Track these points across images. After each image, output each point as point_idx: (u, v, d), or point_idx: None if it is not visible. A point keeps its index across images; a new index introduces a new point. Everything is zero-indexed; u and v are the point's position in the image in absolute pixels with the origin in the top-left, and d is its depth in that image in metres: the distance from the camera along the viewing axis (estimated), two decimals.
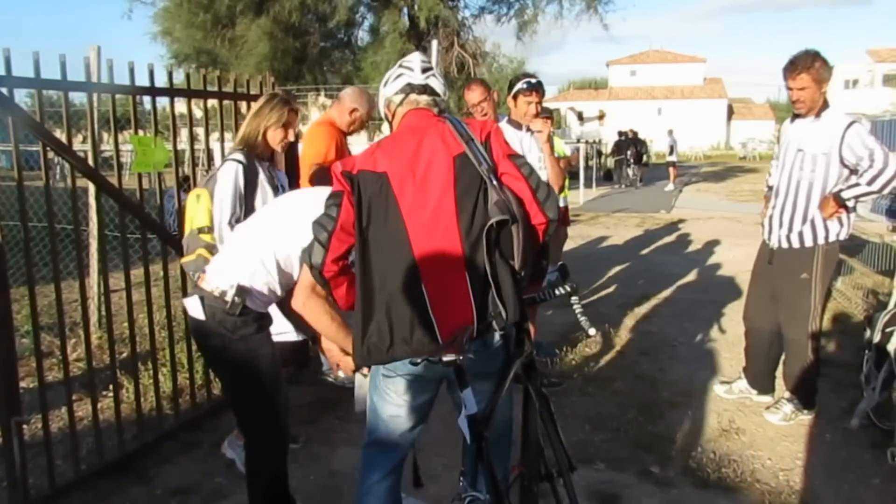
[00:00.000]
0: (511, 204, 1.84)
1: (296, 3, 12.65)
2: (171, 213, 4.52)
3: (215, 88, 3.66)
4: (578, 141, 22.86)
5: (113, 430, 3.14)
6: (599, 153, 25.41)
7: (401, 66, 2.09)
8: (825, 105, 3.33)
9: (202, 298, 2.27)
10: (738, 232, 10.29)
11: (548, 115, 4.22)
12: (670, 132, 20.76)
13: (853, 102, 34.65)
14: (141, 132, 3.23)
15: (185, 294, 3.47)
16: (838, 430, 3.44)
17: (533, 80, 3.67)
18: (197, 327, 2.34)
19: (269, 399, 2.39)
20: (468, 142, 1.92)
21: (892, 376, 3.25)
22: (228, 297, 2.23)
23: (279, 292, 2.35)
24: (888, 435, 3.16)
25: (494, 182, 1.87)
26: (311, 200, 2.22)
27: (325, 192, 2.09)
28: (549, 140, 3.67)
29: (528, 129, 3.76)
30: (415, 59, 2.09)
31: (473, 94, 3.75)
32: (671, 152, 20.32)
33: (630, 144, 20.58)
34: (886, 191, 3.32)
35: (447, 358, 1.77)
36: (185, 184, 5.09)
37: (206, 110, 3.65)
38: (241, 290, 2.24)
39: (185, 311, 3.46)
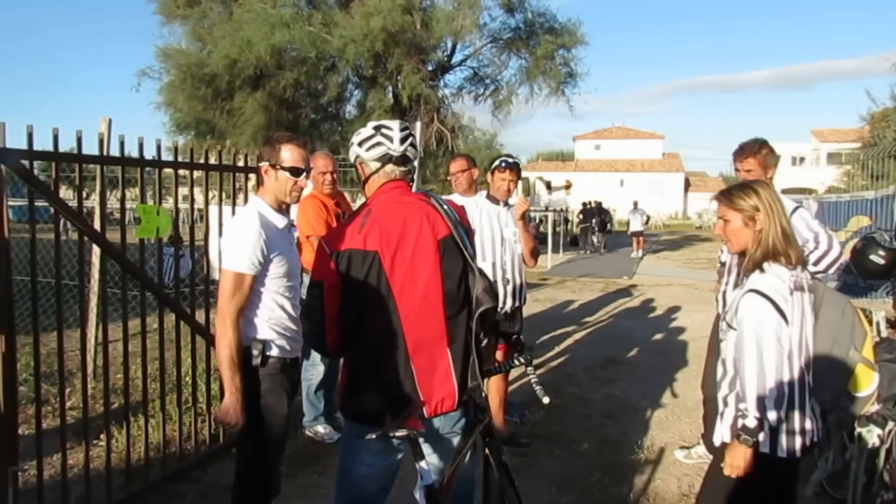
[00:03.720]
0: (496, 287, 2.04)
1: (290, 80, 13.74)
2: (166, 271, 4.70)
3: (215, 160, 3.91)
4: (547, 209, 23.48)
5: (102, 478, 3.21)
6: (566, 220, 26.26)
7: (381, 132, 2.07)
8: None
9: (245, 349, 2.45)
10: (695, 298, 10.73)
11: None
12: (636, 204, 21.21)
13: (801, 178, 36.49)
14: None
15: (178, 348, 3.65)
16: None
17: (509, 160, 3.95)
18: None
19: (271, 454, 2.57)
20: (456, 225, 2.06)
21: (844, 447, 3.25)
22: (251, 352, 2.42)
23: (288, 308, 2.50)
24: (841, 503, 3.22)
25: (477, 268, 2.05)
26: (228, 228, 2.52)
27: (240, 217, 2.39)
28: (524, 216, 3.96)
29: (506, 205, 4.05)
30: (394, 126, 2.08)
31: (457, 165, 4.12)
32: (646, 222, 20.97)
33: (595, 213, 21.40)
34: (831, 271, 3.51)
35: (400, 433, 1.82)
36: (183, 250, 5.31)
37: (206, 178, 3.91)
38: (259, 343, 2.42)
39: (177, 363, 3.64)
